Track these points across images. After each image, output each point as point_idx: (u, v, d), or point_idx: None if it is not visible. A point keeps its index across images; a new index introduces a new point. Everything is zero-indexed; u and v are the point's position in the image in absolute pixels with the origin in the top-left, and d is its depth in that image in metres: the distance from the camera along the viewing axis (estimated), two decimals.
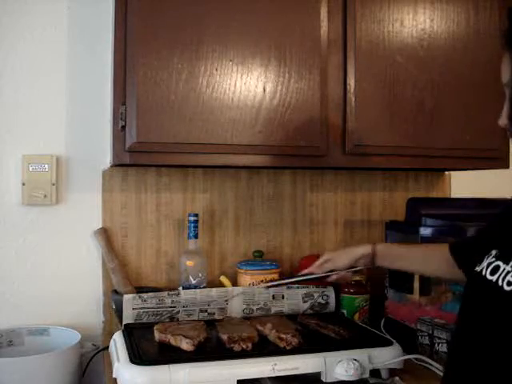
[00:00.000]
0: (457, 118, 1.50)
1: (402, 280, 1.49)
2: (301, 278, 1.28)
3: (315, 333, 1.34)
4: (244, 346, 1.19)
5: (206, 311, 1.45)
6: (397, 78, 1.45)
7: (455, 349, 0.85)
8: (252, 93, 1.34)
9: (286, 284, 1.43)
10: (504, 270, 0.75)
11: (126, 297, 1.39)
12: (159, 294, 1.42)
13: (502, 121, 0.82)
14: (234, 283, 1.58)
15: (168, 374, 1.08)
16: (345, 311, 1.58)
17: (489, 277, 0.77)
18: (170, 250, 1.62)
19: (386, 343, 1.26)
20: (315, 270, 1.25)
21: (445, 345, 1.28)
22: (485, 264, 0.80)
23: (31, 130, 1.53)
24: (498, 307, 0.74)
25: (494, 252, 0.81)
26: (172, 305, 1.42)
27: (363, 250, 1.19)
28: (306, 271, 1.27)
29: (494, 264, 0.78)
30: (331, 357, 1.17)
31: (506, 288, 0.72)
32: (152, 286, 1.57)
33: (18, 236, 1.53)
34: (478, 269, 0.82)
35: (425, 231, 1.43)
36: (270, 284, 1.37)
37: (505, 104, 0.82)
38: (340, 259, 1.22)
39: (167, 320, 1.40)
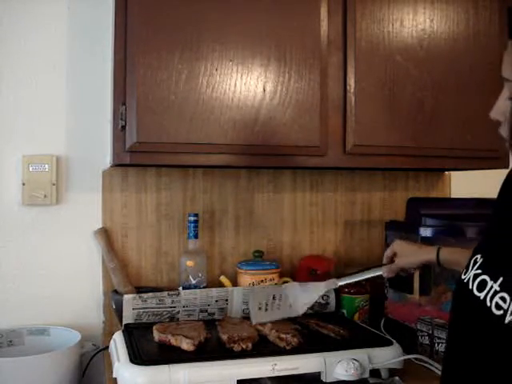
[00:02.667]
0: (457, 118, 1.50)
1: (401, 280, 1.49)
2: (370, 276, 1.29)
3: (315, 333, 1.34)
4: (244, 346, 1.19)
5: (206, 311, 1.45)
6: (397, 78, 1.45)
7: (447, 361, 0.83)
8: (252, 93, 1.34)
9: (358, 281, 1.36)
10: (492, 288, 0.72)
11: (126, 297, 1.39)
12: (159, 294, 1.42)
13: (494, 114, 0.79)
14: (234, 283, 1.58)
15: (168, 374, 1.08)
16: (345, 311, 1.58)
17: (476, 293, 0.74)
18: (170, 250, 1.63)
19: (386, 343, 1.26)
20: (386, 271, 1.27)
21: (445, 345, 1.28)
22: (471, 274, 0.77)
23: (31, 129, 1.53)
24: (487, 330, 0.72)
25: (479, 259, 0.78)
26: (172, 305, 1.42)
27: (429, 257, 1.20)
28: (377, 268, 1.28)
29: (480, 278, 0.75)
30: (331, 357, 1.17)
31: (496, 312, 0.69)
32: (152, 286, 1.57)
33: (18, 236, 1.53)
34: (464, 278, 0.79)
35: (425, 231, 1.43)
36: (342, 282, 1.31)
37: (500, 98, 0.79)
38: (407, 260, 1.24)
39: (167, 320, 1.40)
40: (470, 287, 0.76)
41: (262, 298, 1.25)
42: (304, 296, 1.26)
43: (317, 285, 1.30)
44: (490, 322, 0.70)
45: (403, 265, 1.25)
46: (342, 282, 1.30)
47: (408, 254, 1.25)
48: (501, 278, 0.71)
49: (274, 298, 1.24)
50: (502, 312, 0.69)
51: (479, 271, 0.76)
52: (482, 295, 0.73)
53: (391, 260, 1.28)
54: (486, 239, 0.82)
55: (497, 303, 0.70)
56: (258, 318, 1.25)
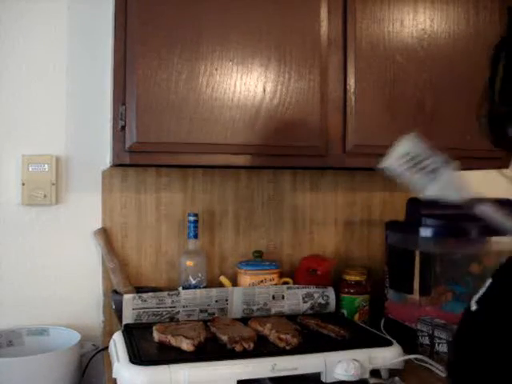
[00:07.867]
0: (457, 118, 1.50)
1: (402, 280, 1.49)
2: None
3: (315, 333, 1.34)
4: (246, 346, 1.19)
5: (206, 311, 1.45)
6: (397, 78, 1.45)
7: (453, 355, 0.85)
8: (252, 93, 1.34)
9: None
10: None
11: (126, 297, 1.40)
12: (159, 294, 1.42)
13: None
14: (234, 283, 1.58)
15: (168, 373, 1.08)
16: (345, 311, 1.58)
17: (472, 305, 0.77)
18: (170, 250, 1.62)
19: (386, 343, 1.26)
20: None
21: (445, 345, 1.28)
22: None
23: (31, 130, 1.53)
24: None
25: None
26: (172, 305, 1.42)
27: None
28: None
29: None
30: (331, 357, 1.17)
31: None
32: (152, 286, 1.57)
33: (18, 236, 1.53)
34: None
35: (425, 231, 1.43)
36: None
37: None
38: None
39: (167, 320, 1.40)
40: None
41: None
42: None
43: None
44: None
45: None
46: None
47: None
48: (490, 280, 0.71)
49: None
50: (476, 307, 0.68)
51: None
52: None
53: None
54: None
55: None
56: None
